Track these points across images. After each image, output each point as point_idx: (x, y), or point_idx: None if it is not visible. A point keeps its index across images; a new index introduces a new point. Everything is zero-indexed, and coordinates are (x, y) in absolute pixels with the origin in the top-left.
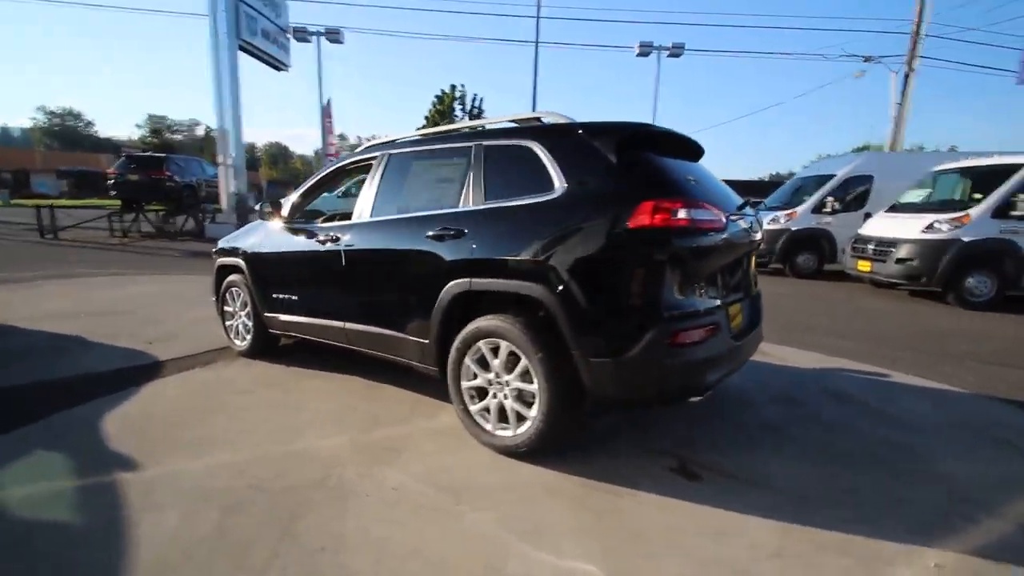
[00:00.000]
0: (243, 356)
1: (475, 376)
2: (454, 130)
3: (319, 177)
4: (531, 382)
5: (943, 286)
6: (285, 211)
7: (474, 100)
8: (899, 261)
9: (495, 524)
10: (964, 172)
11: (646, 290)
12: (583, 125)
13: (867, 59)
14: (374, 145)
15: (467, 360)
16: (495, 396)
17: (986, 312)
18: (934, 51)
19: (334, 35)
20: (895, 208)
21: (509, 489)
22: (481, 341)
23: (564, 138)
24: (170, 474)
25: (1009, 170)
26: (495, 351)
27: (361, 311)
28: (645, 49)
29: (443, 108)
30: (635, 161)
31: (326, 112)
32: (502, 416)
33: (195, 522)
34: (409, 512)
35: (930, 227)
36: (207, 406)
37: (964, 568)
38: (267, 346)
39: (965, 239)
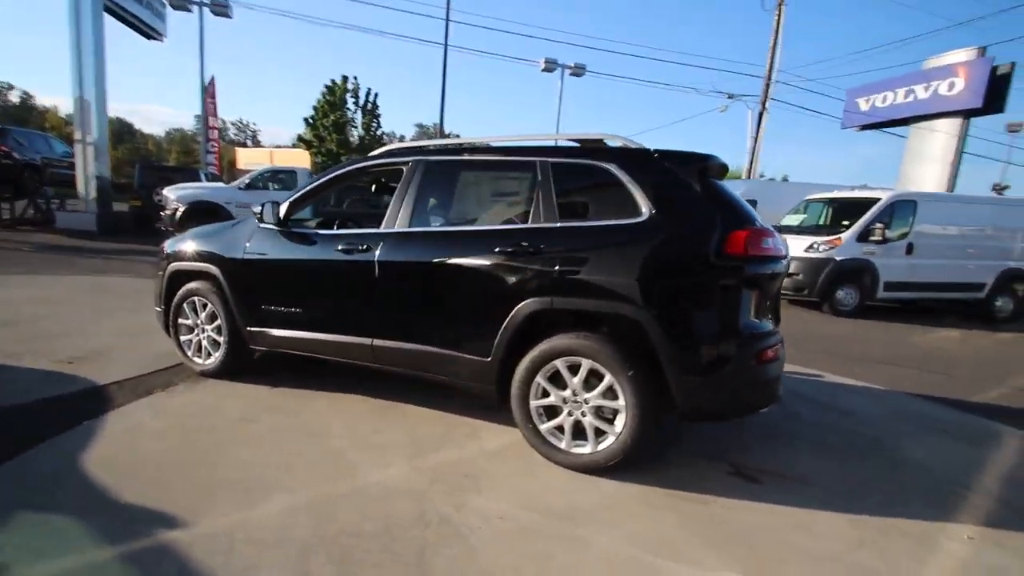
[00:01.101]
0: (207, 376)
1: (545, 395)
2: (499, 144)
3: (326, 178)
4: (615, 398)
5: (820, 297)
6: (281, 214)
7: (368, 95)
8: (788, 275)
9: (626, 543)
10: (829, 201)
11: (737, 312)
12: (659, 152)
13: (730, 96)
14: (400, 149)
15: (538, 378)
16: (570, 414)
17: (853, 319)
18: (781, 95)
19: (221, 8)
20: (779, 229)
21: (609, 507)
22: (558, 360)
23: (646, 164)
24: (234, 527)
25: (867, 203)
26: (573, 369)
27: (397, 328)
28: (550, 66)
29: (334, 100)
30: (713, 189)
31: (209, 92)
32: (577, 434)
33: None
34: (534, 542)
35: (811, 247)
36: (213, 440)
37: (987, 537)
38: (242, 364)
39: (838, 258)
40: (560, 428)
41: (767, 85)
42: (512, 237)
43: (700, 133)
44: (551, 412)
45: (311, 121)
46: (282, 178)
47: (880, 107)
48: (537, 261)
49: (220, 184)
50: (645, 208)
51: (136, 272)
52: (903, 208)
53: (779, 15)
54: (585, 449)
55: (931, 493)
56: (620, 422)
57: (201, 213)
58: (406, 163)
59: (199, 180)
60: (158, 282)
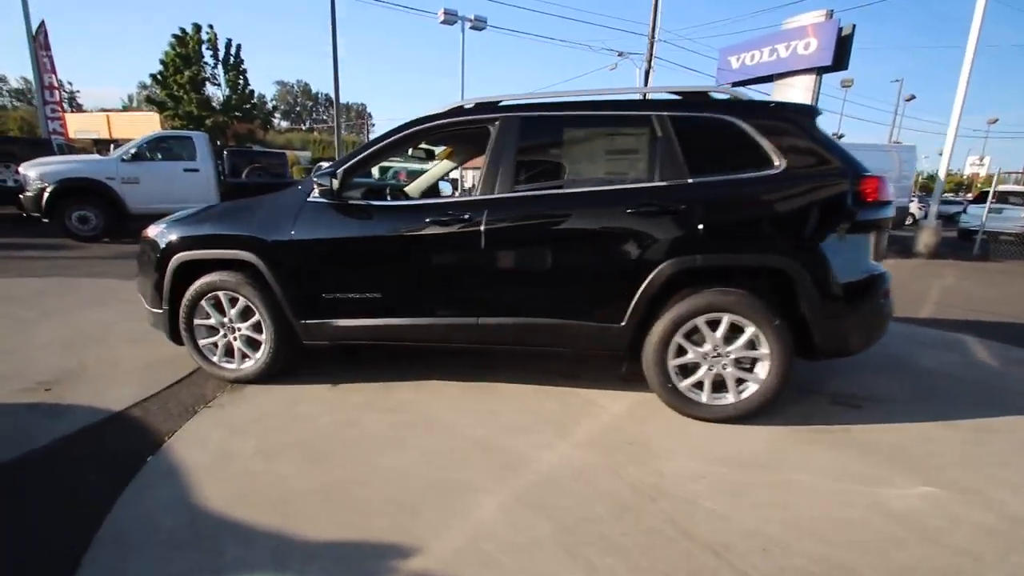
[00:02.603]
0: (243, 382)
1: (682, 353)
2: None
3: (386, 143)
4: (754, 348)
5: None
6: (334, 185)
7: (229, 47)
8: None
9: (829, 479)
10: None
11: (868, 254)
12: (775, 103)
13: (620, 54)
14: (478, 105)
15: (676, 338)
16: (711, 368)
17: None
18: (667, 54)
19: None
20: None
21: (780, 450)
22: (700, 317)
23: (770, 115)
24: (471, 539)
25: None
26: (712, 324)
27: (509, 302)
28: (450, 18)
29: (186, 52)
30: (829, 139)
31: (39, 42)
32: (716, 387)
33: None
34: (755, 492)
35: None
36: (339, 452)
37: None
38: (287, 364)
39: None
40: (699, 384)
41: (651, 44)
42: (644, 196)
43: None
44: (686, 370)
45: (160, 78)
46: (173, 147)
47: (749, 65)
48: (675, 219)
49: (95, 156)
50: (777, 159)
51: (16, 270)
52: None
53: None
54: (726, 400)
55: (972, 393)
56: (763, 370)
57: (76, 193)
58: (491, 121)
59: (57, 154)
60: (151, 279)
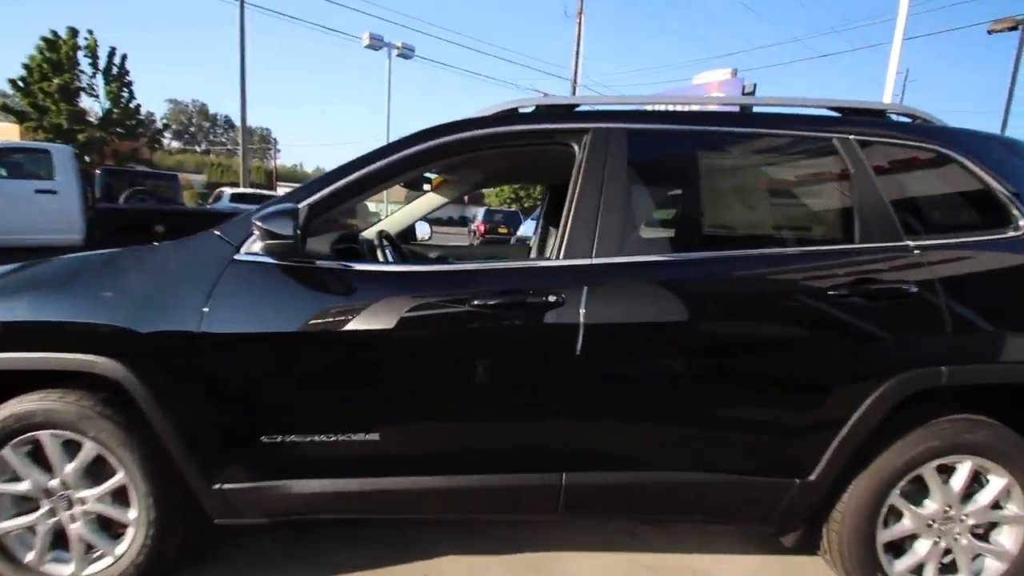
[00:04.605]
0: None
1: (896, 518)
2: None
3: (386, 161)
4: (1002, 507)
5: None
6: (295, 233)
7: (112, 56)
8: None
9: None
10: None
11: None
12: (991, 136)
13: (544, 95)
14: (554, 108)
15: (892, 497)
16: (937, 541)
17: None
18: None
19: None
20: (535, 217)
21: None
22: (933, 462)
23: (998, 150)
24: None
25: None
26: (946, 472)
27: (623, 446)
28: (375, 43)
29: (58, 57)
30: None
31: None
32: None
33: None
34: None
35: None
36: None
37: None
38: (184, 558)
39: None
40: (917, 570)
41: (573, 88)
42: (847, 265)
43: None
44: (894, 547)
45: (22, 84)
46: (24, 161)
47: None
48: (906, 309)
49: None
50: (1018, 214)
51: None
52: None
53: (580, 23)
54: None
55: None
56: (1012, 540)
57: None
58: (576, 135)
59: None
60: None
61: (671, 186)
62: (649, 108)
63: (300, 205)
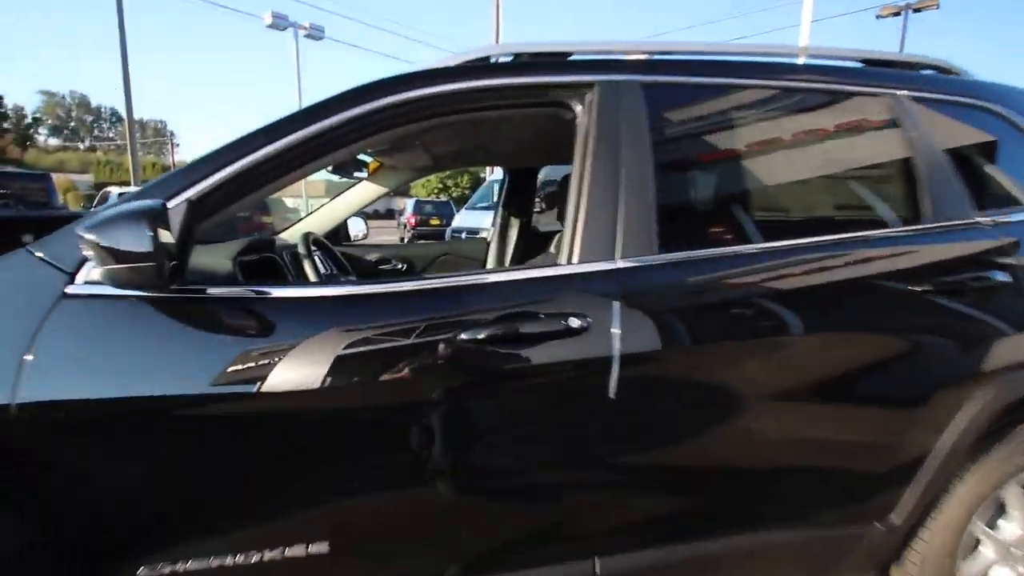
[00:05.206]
0: None
1: (977, 546)
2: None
3: (297, 136)
4: None
5: None
6: (163, 246)
7: None
8: None
9: None
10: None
11: None
12: None
13: None
14: (540, 57)
15: (973, 523)
16: (1017, 572)
17: None
18: None
19: None
20: (473, 207)
21: None
22: (1021, 476)
23: None
24: None
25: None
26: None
27: (668, 515)
28: (279, 23)
29: None
30: None
31: None
32: None
33: None
34: None
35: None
36: None
37: None
38: None
39: None
40: None
41: None
42: (930, 251)
43: None
44: None
45: None
46: None
47: None
48: (995, 298)
49: None
50: None
51: None
52: None
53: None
54: None
55: None
56: None
57: None
58: (578, 90)
59: None
60: None
61: (704, 157)
62: (685, 57)
63: (170, 203)
